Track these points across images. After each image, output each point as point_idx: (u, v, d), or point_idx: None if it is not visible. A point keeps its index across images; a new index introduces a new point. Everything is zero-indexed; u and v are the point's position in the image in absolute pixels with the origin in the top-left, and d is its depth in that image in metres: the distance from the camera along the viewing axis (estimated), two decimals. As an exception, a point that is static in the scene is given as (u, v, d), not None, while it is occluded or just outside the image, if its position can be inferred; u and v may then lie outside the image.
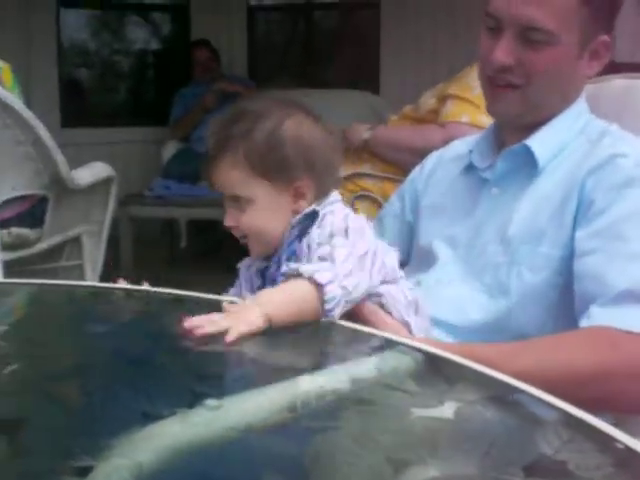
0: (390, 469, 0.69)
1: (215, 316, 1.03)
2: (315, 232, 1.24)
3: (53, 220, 3.06)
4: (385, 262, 1.24)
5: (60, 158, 2.91)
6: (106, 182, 3.30)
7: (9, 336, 1.11)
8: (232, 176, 1.28)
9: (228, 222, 1.31)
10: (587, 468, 0.69)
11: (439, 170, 1.59)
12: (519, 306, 1.33)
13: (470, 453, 0.72)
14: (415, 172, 1.65)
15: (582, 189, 1.32)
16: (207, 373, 0.93)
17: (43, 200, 3.04)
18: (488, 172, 1.46)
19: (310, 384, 0.86)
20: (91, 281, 3.08)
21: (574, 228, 1.31)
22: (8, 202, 2.94)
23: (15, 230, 2.96)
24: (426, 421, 0.79)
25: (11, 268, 2.91)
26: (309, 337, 1.10)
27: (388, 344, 1.02)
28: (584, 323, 1.22)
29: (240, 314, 1.05)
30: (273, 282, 1.26)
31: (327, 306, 1.12)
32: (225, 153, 1.28)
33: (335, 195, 1.31)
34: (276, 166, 1.27)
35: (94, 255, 3.32)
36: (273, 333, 1.08)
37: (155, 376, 0.91)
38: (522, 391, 0.84)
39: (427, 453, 0.72)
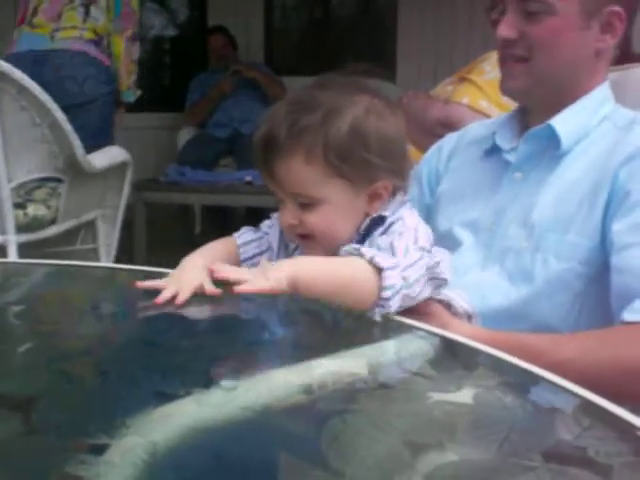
0: (408, 453, 0.68)
1: (243, 269, 1.02)
2: (382, 240, 1.12)
3: (68, 203, 3.07)
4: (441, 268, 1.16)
5: (76, 142, 2.91)
6: (121, 167, 3.30)
7: (24, 315, 1.11)
8: (305, 174, 1.11)
9: (288, 220, 1.14)
10: (607, 455, 0.69)
11: (457, 153, 1.57)
12: (543, 294, 1.32)
13: (489, 438, 0.71)
14: (432, 153, 1.63)
15: (615, 179, 1.30)
16: (223, 354, 0.92)
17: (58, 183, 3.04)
18: (512, 154, 1.44)
19: (327, 366, 0.86)
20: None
21: (605, 217, 1.29)
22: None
23: (31, 211, 2.97)
24: (444, 406, 0.78)
25: (26, 251, 2.92)
26: (328, 320, 1.09)
27: (406, 328, 1.01)
28: (629, 317, 1.20)
29: (266, 271, 1.00)
30: None
31: (384, 294, 1.05)
32: (297, 147, 1.10)
33: (402, 197, 1.20)
34: (358, 165, 1.12)
35: (109, 239, 3.33)
36: (292, 314, 1.07)
37: (171, 357, 0.90)
38: (541, 377, 0.84)
39: (445, 437, 0.72)
